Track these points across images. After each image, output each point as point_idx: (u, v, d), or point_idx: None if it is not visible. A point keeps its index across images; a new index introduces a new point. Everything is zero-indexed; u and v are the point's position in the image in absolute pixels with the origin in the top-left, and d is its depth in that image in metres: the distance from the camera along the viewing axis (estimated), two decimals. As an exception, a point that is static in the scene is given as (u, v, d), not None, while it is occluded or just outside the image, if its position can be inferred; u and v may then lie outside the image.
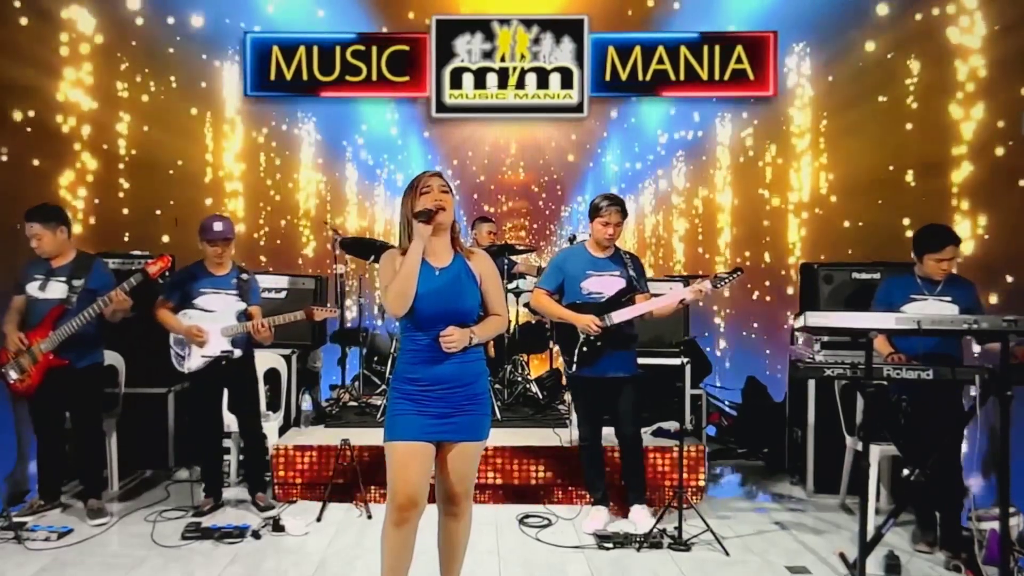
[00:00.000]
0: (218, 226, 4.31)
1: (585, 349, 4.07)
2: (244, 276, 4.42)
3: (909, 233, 5.20)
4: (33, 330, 4.14)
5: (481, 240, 6.20)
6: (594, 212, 4.15)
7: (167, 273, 4.31)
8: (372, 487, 4.52)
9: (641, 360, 4.31)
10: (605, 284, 4.14)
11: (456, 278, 2.82)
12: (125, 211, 6.35)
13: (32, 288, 4.19)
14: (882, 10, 6.34)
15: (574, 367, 4.12)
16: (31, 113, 5.39)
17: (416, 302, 2.75)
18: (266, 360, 4.95)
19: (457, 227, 2.91)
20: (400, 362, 2.85)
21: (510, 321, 6.23)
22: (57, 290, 4.19)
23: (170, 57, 6.89)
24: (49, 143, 5.53)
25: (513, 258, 6.20)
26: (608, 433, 4.28)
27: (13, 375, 4.13)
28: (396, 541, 2.77)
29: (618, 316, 4.02)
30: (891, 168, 6.10)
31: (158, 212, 6.64)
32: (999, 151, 4.97)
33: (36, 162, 5.36)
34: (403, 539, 2.77)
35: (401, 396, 2.80)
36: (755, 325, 7.70)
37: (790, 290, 7.05)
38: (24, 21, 5.27)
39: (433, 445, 2.80)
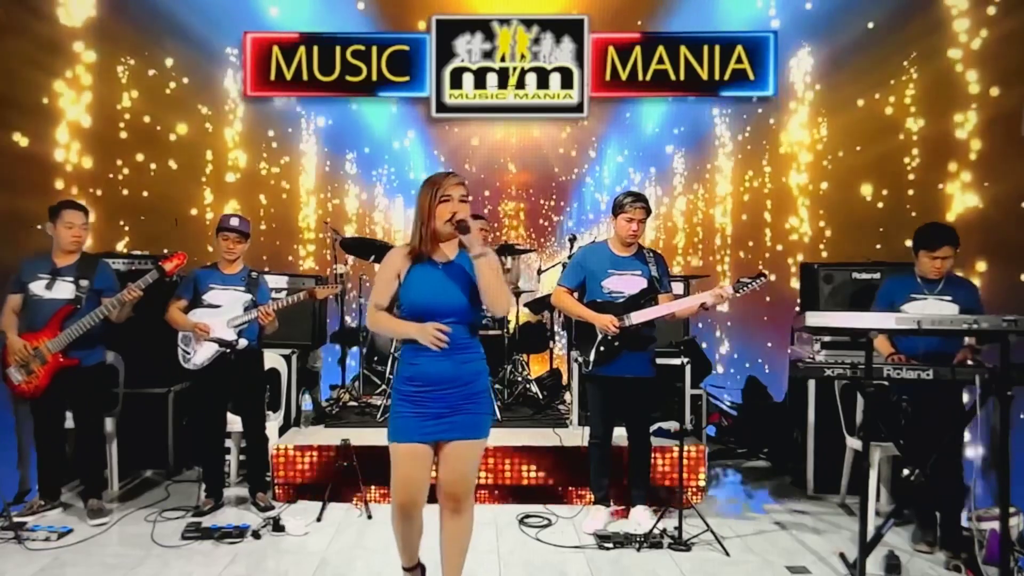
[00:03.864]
0: (234, 220, 4.41)
1: (603, 349, 4.06)
2: (254, 274, 4.48)
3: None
4: (39, 330, 4.13)
5: None
6: (617, 209, 4.10)
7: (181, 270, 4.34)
8: (372, 487, 4.52)
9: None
10: (627, 283, 4.11)
11: (454, 274, 2.82)
12: (123, 211, 6.35)
13: (37, 287, 4.18)
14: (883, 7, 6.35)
15: (591, 366, 4.11)
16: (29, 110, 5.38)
17: (411, 295, 2.80)
18: (266, 360, 4.95)
19: None
20: (400, 361, 2.87)
21: (509, 321, 6.23)
22: (65, 290, 4.18)
23: (170, 57, 6.89)
24: (47, 142, 5.52)
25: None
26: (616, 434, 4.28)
27: (19, 377, 4.12)
28: (403, 525, 2.91)
29: (638, 317, 4.01)
30: (892, 164, 6.11)
31: (144, 207, 6.65)
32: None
33: (33, 162, 5.35)
34: (410, 524, 2.91)
35: (400, 397, 2.81)
36: (755, 325, 7.70)
37: (791, 290, 7.05)
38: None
39: (431, 446, 2.81)
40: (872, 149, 6.38)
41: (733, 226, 7.99)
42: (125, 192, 6.29)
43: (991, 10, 5.14)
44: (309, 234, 8.15)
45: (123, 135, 6.33)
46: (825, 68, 7.05)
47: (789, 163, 7.43)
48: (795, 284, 6.18)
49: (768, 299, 7.32)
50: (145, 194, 6.46)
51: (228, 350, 4.26)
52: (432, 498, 2.92)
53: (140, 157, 6.51)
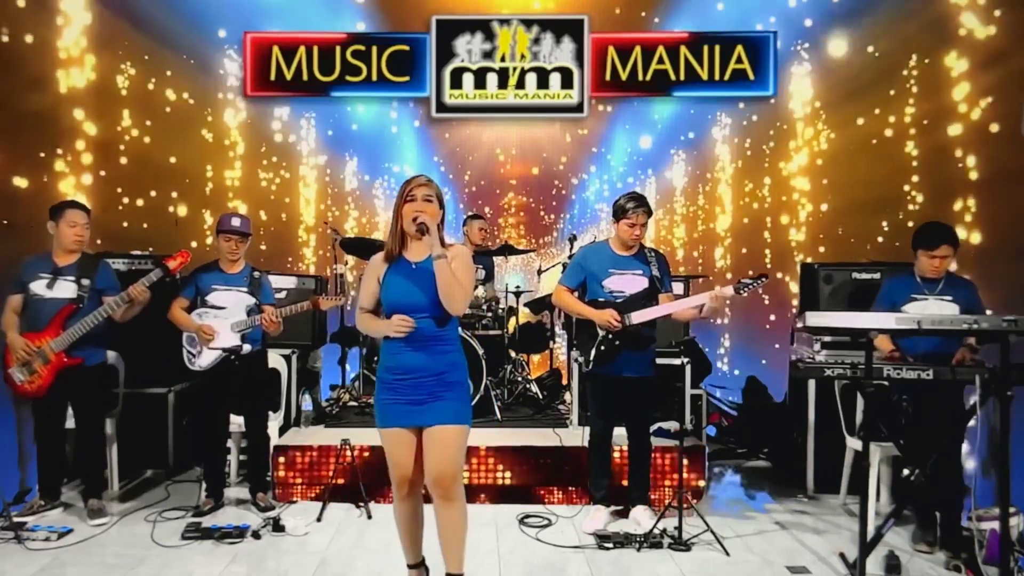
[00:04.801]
0: (235, 221, 4.39)
1: (603, 348, 4.06)
2: (256, 274, 4.46)
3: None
4: (41, 330, 4.12)
5: (472, 237, 6.17)
6: (620, 213, 4.09)
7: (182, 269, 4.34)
8: (372, 487, 4.51)
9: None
10: (627, 283, 4.10)
11: (424, 272, 2.95)
12: (124, 212, 6.35)
13: (38, 287, 4.17)
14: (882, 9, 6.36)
15: (591, 365, 4.11)
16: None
17: (386, 294, 2.97)
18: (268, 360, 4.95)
19: (442, 228, 3.02)
20: (381, 352, 3.03)
21: (508, 321, 6.24)
22: (67, 289, 4.18)
23: (170, 57, 6.89)
24: (48, 144, 5.52)
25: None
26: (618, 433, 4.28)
27: (21, 377, 4.12)
28: (404, 510, 3.09)
29: (638, 316, 4.00)
30: (891, 166, 6.11)
31: (141, 201, 6.62)
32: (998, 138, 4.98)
33: (35, 161, 5.35)
34: (410, 508, 3.09)
35: (382, 385, 3.01)
36: (755, 325, 7.70)
37: (791, 289, 7.05)
38: (21, 3, 5.23)
39: (414, 431, 2.98)
40: (873, 143, 6.38)
41: (733, 226, 8.00)
42: (125, 224, 6.27)
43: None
44: (309, 235, 8.15)
45: (123, 160, 6.33)
46: (825, 83, 7.06)
47: (789, 162, 7.44)
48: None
49: (769, 298, 7.33)
50: (145, 225, 6.44)
51: (233, 356, 4.27)
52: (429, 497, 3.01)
53: (139, 181, 6.50)
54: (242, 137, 7.61)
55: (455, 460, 2.97)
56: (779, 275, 7.32)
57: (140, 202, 6.47)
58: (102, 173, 5.93)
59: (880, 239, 6.11)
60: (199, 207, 7.11)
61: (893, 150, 6.06)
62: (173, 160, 6.88)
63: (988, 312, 4.03)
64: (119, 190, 6.26)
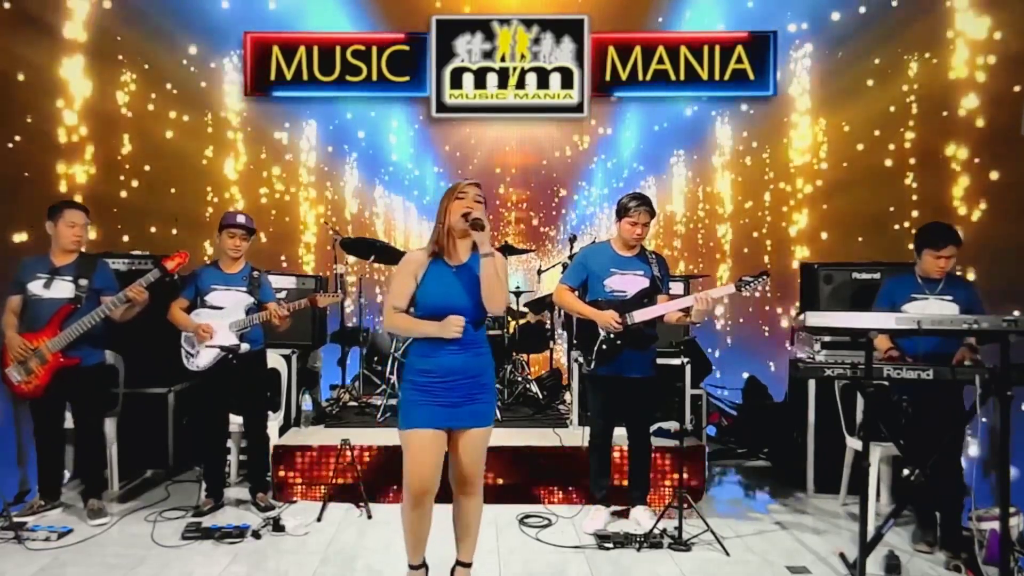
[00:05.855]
0: (240, 218, 4.40)
1: (604, 347, 4.06)
2: (255, 273, 4.46)
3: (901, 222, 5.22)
4: (39, 330, 4.13)
5: None
6: (622, 212, 4.10)
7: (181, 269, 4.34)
8: (372, 487, 4.51)
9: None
10: (628, 283, 4.11)
11: (465, 276, 3.00)
12: (125, 212, 6.35)
13: (36, 287, 4.17)
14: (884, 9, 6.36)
15: (592, 364, 4.11)
16: (29, 118, 5.37)
17: (426, 296, 2.97)
18: (268, 360, 4.95)
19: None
20: (411, 353, 3.05)
21: (510, 321, 6.24)
22: (64, 289, 4.18)
23: (169, 57, 6.89)
24: (50, 144, 5.53)
25: None
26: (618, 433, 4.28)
27: (18, 377, 4.12)
28: (414, 518, 3.04)
29: (639, 315, 4.01)
30: (890, 164, 6.11)
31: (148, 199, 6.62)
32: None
33: (35, 164, 5.35)
34: (420, 515, 3.04)
35: (413, 387, 2.98)
36: (755, 325, 7.70)
37: (791, 290, 7.04)
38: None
39: (445, 432, 2.99)
40: (872, 144, 6.39)
41: (733, 225, 8.00)
42: (122, 195, 6.28)
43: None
44: (309, 235, 8.15)
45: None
46: (826, 66, 7.06)
47: (789, 161, 7.44)
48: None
49: (768, 298, 7.31)
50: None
51: (231, 355, 4.27)
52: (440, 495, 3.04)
53: (138, 205, 6.52)
54: (242, 134, 7.61)
55: (482, 460, 3.10)
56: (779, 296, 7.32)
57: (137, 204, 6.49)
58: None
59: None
60: (200, 237, 7.14)
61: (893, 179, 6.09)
62: (173, 191, 6.90)
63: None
64: (116, 214, 6.29)
